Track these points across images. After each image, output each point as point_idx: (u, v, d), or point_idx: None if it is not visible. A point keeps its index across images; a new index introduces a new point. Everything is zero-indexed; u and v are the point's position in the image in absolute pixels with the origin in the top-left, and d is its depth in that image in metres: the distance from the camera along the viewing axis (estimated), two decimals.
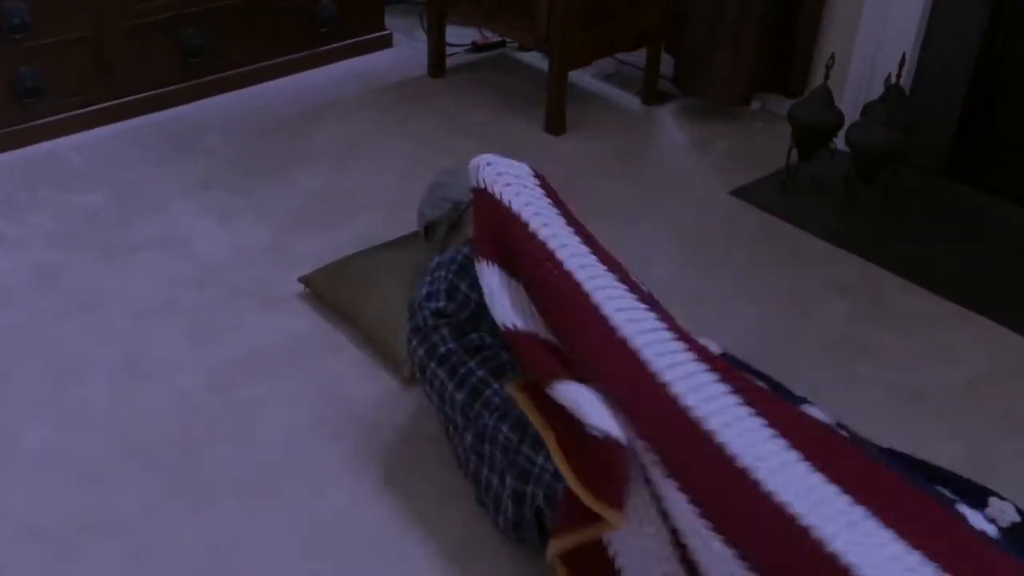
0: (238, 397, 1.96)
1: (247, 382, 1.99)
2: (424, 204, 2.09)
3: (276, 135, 2.99)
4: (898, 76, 2.53)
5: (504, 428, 1.58)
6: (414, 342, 1.76)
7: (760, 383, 1.51)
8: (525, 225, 1.58)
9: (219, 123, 3.04)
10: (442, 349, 1.70)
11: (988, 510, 1.51)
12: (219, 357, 2.06)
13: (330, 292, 2.18)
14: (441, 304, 1.74)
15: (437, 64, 3.40)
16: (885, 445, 1.67)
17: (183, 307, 2.21)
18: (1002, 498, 1.52)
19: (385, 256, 2.22)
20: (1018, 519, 1.51)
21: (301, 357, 2.07)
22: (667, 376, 1.38)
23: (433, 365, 1.70)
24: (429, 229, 2.09)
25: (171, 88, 3.09)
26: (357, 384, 1.99)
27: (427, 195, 2.10)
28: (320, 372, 2.03)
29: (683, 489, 1.27)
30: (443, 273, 1.78)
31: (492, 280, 1.56)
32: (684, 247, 2.49)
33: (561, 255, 1.54)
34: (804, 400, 1.62)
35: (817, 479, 1.26)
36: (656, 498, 1.33)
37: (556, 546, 1.44)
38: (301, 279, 2.24)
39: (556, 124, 3.02)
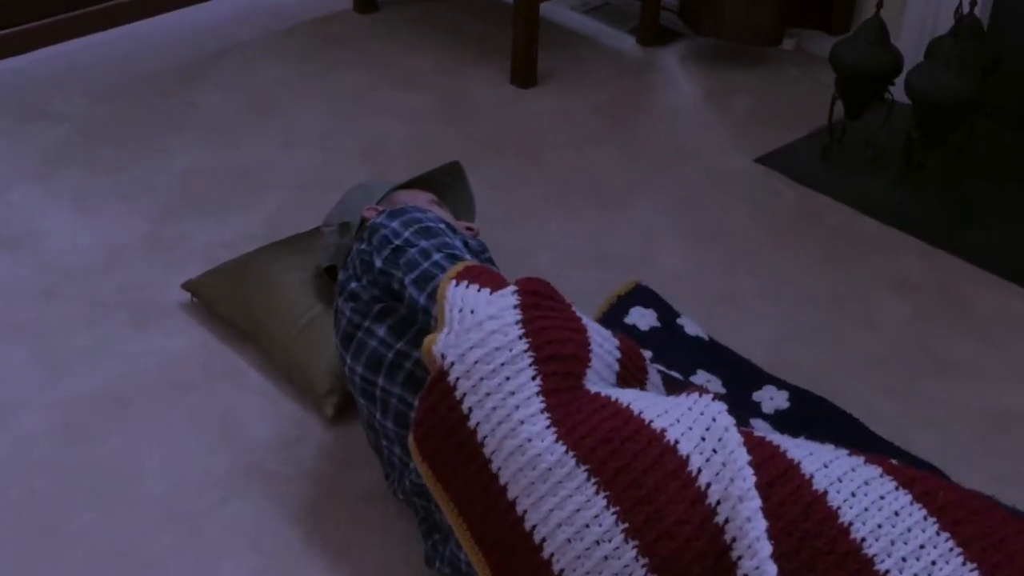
0: (102, 444, 1.93)
1: (114, 424, 1.97)
2: (326, 241, 2.10)
3: (151, 93, 2.96)
4: (972, 3, 2.54)
5: None
6: (348, 360, 1.76)
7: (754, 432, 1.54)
8: (495, 478, 1.45)
9: (74, 78, 3.01)
10: (389, 355, 1.70)
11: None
12: (76, 391, 2.04)
13: (224, 302, 2.17)
14: (361, 284, 1.74)
15: None
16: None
17: (26, 325, 2.19)
18: None
19: (297, 254, 2.21)
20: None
21: (186, 388, 2.05)
22: None
23: (381, 381, 1.70)
24: (331, 272, 2.10)
25: (8, 31, 3.03)
26: (262, 424, 1.98)
27: (326, 225, 2.11)
28: (212, 408, 2.01)
29: None
30: (355, 261, 1.79)
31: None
32: (696, 233, 2.50)
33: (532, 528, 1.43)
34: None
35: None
36: None
37: None
38: (186, 285, 2.24)
39: (525, 74, 3.02)
